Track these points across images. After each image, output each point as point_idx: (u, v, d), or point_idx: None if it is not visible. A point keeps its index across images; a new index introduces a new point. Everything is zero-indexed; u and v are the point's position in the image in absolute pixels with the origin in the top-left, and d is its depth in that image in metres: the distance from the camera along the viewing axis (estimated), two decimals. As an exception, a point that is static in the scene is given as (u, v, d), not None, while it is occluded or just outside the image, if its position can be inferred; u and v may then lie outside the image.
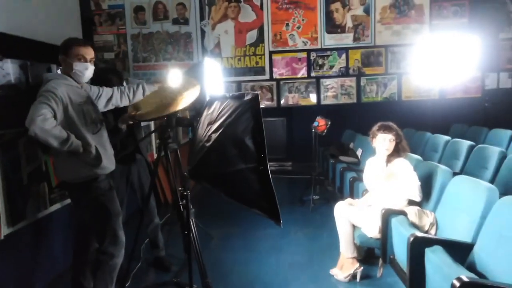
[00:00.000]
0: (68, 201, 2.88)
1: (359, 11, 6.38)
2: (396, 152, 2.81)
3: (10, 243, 2.41)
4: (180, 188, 1.91)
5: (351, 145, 5.02)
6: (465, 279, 1.65)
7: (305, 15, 6.45)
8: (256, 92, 1.62)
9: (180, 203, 1.90)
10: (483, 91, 6.26)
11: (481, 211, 2.11)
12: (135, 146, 2.89)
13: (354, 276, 2.87)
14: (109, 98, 2.44)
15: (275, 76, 6.53)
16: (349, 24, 6.40)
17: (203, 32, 6.60)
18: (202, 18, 6.58)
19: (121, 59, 6.73)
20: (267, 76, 6.53)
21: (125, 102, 2.51)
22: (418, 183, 2.62)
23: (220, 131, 1.86)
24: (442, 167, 2.67)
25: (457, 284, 1.64)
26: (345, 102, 6.47)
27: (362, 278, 2.86)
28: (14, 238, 2.45)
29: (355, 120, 6.15)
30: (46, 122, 1.89)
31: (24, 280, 2.57)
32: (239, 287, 2.87)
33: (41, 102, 1.94)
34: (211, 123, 1.97)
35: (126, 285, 2.78)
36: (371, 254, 3.14)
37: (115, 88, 2.50)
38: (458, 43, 5.59)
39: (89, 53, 2.25)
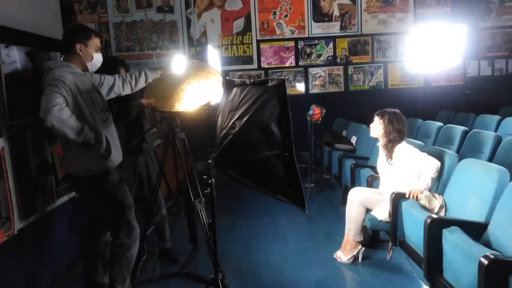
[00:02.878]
0: (73, 194, 2.78)
1: (345, -1, 6.41)
2: (390, 139, 2.86)
3: (21, 238, 2.33)
4: (204, 176, 1.88)
5: (344, 133, 5.08)
6: (492, 256, 1.70)
7: (292, 3, 6.41)
8: (282, 77, 1.60)
9: (205, 191, 1.87)
10: (465, 78, 6.46)
11: (494, 192, 2.18)
12: (142, 136, 2.81)
13: (356, 258, 2.95)
14: (111, 86, 2.36)
15: (263, 65, 6.49)
16: (336, 12, 6.42)
17: (188, 21, 6.46)
18: (187, 6, 6.44)
19: (103, 49, 6.49)
20: (255, 65, 6.48)
21: (127, 90, 2.44)
22: (434, 160, 2.67)
23: (245, 118, 1.83)
24: (448, 151, 2.74)
25: (485, 261, 1.69)
26: (333, 91, 6.51)
27: (372, 261, 2.94)
28: (25, 233, 2.36)
29: (343, 109, 6.21)
30: (63, 112, 1.81)
31: (32, 275, 2.48)
32: (249, 274, 2.87)
33: (53, 91, 1.85)
34: (233, 110, 1.94)
35: (136, 277, 2.73)
36: (376, 238, 3.21)
37: (117, 76, 2.43)
38: (442, 32, 5.71)
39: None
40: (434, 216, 2.21)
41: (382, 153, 2.99)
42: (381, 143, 2.98)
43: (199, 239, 3.20)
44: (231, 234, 3.62)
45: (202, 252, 3.14)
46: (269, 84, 1.82)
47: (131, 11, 6.42)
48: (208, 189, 1.89)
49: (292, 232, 3.64)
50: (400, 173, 2.77)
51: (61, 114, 1.81)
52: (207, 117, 2.32)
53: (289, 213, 4.05)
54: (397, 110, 3.00)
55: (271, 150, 1.84)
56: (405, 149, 2.82)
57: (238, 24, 6.46)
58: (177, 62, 2.53)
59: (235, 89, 2.03)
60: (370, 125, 3.05)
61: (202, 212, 2.73)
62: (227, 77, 2.24)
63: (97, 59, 2.23)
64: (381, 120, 2.93)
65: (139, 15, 6.43)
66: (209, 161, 1.89)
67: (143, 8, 6.40)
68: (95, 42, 2.21)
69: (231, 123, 1.90)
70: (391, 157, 2.86)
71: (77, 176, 2.12)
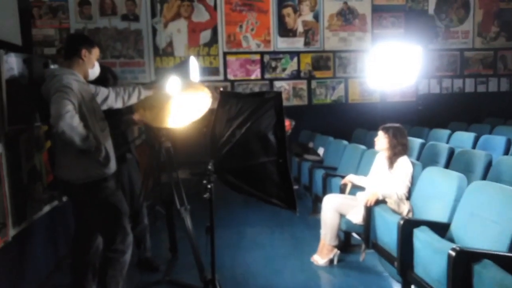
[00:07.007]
0: (55, 203, 2.74)
1: (309, 17, 6.75)
2: (395, 152, 3.04)
3: (13, 245, 2.29)
4: (204, 181, 1.98)
5: (311, 145, 5.34)
6: (458, 248, 1.95)
7: (258, 17, 6.64)
8: (279, 90, 1.75)
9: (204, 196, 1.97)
10: (417, 95, 7.02)
11: (455, 196, 2.48)
12: (127, 146, 2.83)
13: (332, 260, 3.14)
14: (105, 98, 2.37)
15: (230, 77, 6.64)
16: (300, 29, 6.74)
17: (154, 30, 6.48)
18: (153, 15, 6.46)
19: (63, 55, 6.33)
20: (221, 77, 6.61)
21: (119, 104, 2.45)
22: (407, 184, 2.92)
23: (246, 127, 1.96)
24: (414, 161, 3.05)
25: (453, 253, 1.94)
26: (297, 104, 6.79)
27: (346, 263, 3.14)
28: (17, 240, 2.33)
29: (308, 121, 6.50)
30: (74, 119, 1.87)
31: (16, 286, 2.41)
32: (230, 280, 2.95)
33: (64, 98, 1.90)
34: (230, 120, 2.06)
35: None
36: (348, 242, 3.44)
37: (111, 88, 2.45)
38: (398, 52, 6.21)
39: None
40: (406, 217, 2.46)
41: (380, 163, 3.17)
42: (386, 156, 3.11)
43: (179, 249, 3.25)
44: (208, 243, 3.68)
45: (182, 261, 3.18)
46: (267, 96, 1.98)
47: (94, 17, 6.33)
48: (208, 193, 1.99)
49: (266, 240, 3.77)
50: (395, 181, 2.96)
51: (72, 121, 1.86)
52: (198, 129, 2.43)
53: (265, 222, 4.21)
54: (400, 125, 3.17)
55: (267, 157, 1.98)
56: (406, 162, 3.00)
57: (205, 36, 6.57)
58: (173, 84, 2.57)
59: (230, 100, 2.16)
60: (375, 139, 3.17)
61: (187, 220, 2.79)
62: (221, 89, 2.37)
63: (97, 67, 2.32)
64: (386, 135, 3.08)
65: (102, 22, 6.35)
66: (209, 167, 1.99)
67: (107, 16, 6.34)
68: (97, 51, 2.31)
69: (230, 131, 2.02)
70: (392, 167, 3.03)
71: (73, 183, 2.13)
